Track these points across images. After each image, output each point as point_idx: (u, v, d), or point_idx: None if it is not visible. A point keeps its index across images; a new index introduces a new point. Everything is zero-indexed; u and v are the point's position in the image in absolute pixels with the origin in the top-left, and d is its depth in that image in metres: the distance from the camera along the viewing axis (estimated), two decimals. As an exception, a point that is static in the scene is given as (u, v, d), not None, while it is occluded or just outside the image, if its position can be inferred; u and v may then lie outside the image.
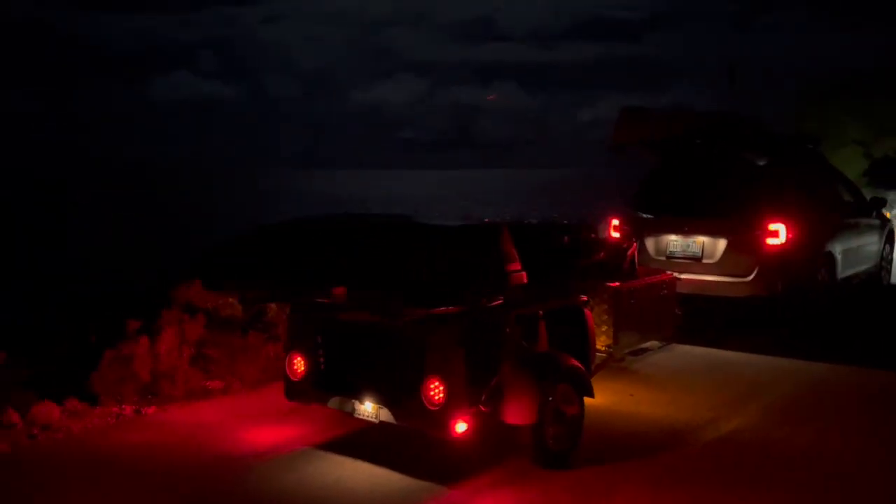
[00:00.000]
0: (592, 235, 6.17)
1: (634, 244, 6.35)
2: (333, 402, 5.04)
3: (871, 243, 10.20)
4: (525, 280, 4.52)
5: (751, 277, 8.09)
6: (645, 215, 8.93)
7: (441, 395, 4.44)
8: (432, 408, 4.47)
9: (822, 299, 8.58)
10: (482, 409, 4.57)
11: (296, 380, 5.24)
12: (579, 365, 4.98)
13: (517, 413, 4.61)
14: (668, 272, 6.90)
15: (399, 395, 4.68)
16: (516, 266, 4.26)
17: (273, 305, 9.05)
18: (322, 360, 5.13)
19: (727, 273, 8.22)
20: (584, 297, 5.53)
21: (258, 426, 5.80)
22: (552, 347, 5.16)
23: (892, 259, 11.19)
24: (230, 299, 9.19)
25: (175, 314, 6.75)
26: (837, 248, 8.96)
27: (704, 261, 8.34)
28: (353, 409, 4.93)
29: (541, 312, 5.12)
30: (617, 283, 6.09)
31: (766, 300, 8.24)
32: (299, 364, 5.22)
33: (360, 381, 4.91)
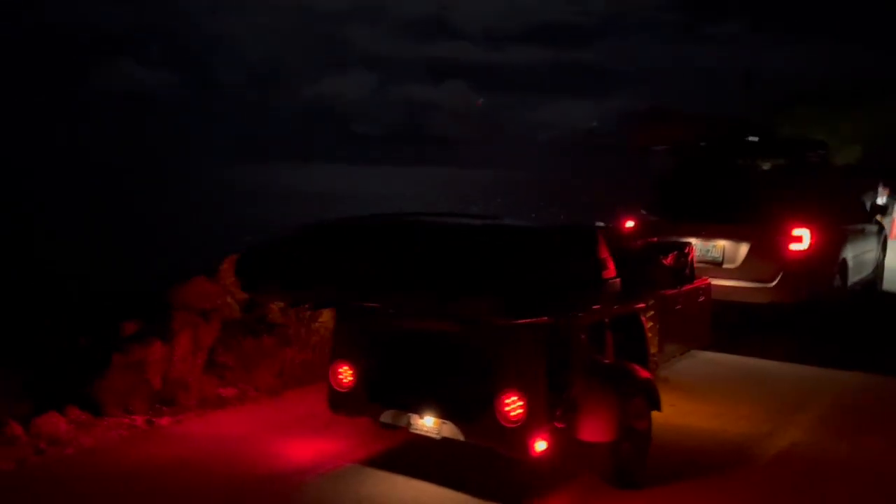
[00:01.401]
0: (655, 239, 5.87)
1: (693, 248, 6.09)
2: (386, 416, 4.64)
3: (872, 250, 10.23)
4: (619, 289, 4.20)
5: (774, 283, 7.95)
6: (660, 218, 8.72)
7: (519, 411, 4.09)
8: (509, 425, 4.11)
9: (840, 306, 8.51)
10: (557, 425, 4.24)
11: (342, 391, 4.82)
12: (650, 376, 4.69)
13: (595, 430, 4.28)
14: (705, 278, 6.68)
15: (467, 409, 4.31)
16: (612, 273, 3.94)
17: (274, 306, 8.57)
18: (374, 370, 4.71)
19: (749, 278, 8.06)
20: (642, 304, 5.25)
21: (289, 439, 5.35)
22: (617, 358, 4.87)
23: (884, 266, 11.28)
24: (229, 299, 8.67)
25: (189, 317, 6.23)
26: (850, 255, 8.91)
27: (725, 266, 8.17)
28: (410, 424, 4.54)
29: (606, 320, 4.82)
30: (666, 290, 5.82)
31: (788, 306, 8.12)
32: (346, 374, 4.80)
33: (419, 393, 4.51)
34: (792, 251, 7.95)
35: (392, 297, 4.22)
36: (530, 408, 4.06)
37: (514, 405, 4.09)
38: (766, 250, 8.02)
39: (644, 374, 4.64)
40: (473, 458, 4.74)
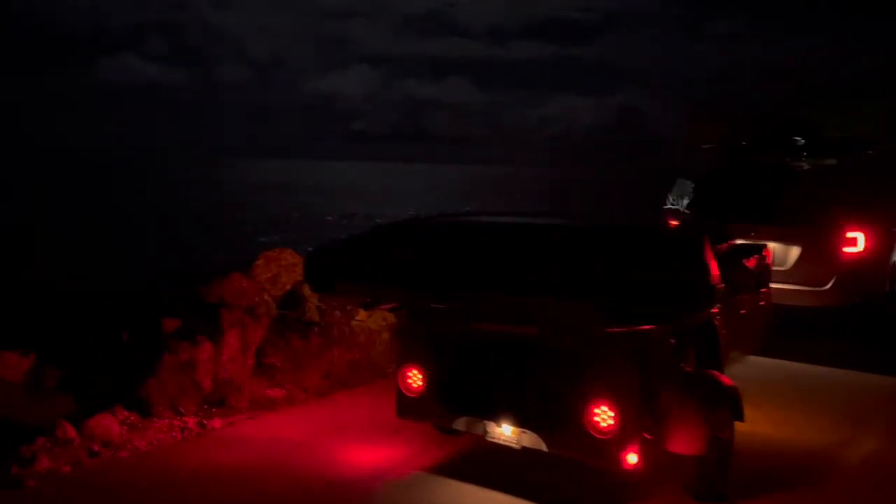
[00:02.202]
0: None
1: (769, 251, 5.91)
2: (460, 423, 4.46)
3: None
4: (724, 295, 4.02)
5: (828, 287, 7.76)
6: (706, 219, 8.53)
7: (611, 421, 3.91)
8: (598, 436, 3.93)
9: (891, 309, 8.32)
10: (647, 436, 4.05)
11: (411, 396, 4.64)
12: (734, 385, 4.50)
13: (685, 442, 4.10)
14: (765, 282, 6.48)
15: (551, 418, 4.13)
16: (717, 279, 3.75)
17: (311, 305, 8.39)
18: (447, 374, 4.53)
19: (801, 282, 7.86)
20: (716, 309, 5.06)
21: (348, 443, 5.18)
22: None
23: None
24: (266, 297, 8.50)
25: (237, 315, 6.04)
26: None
27: (775, 268, 7.94)
28: (486, 432, 4.36)
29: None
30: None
31: (837, 310, 7.93)
32: (416, 378, 4.62)
33: (497, 400, 4.33)
34: (846, 254, 7.76)
35: (475, 299, 4.05)
36: (623, 419, 3.88)
37: (604, 415, 3.91)
38: (819, 253, 7.82)
39: (728, 382, 4.46)
40: (545, 467, 4.57)
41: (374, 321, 8.20)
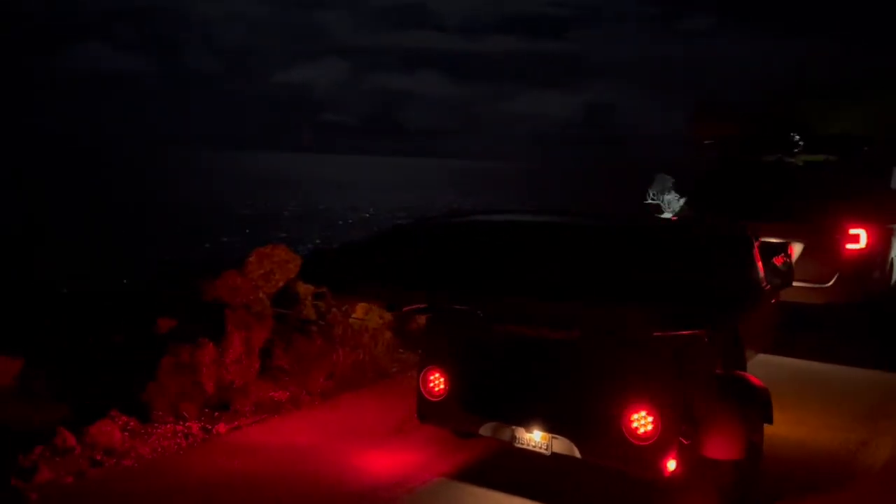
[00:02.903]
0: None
1: (793, 248, 5.82)
2: (486, 429, 4.29)
3: None
4: (771, 296, 3.91)
5: (830, 284, 7.72)
6: (707, 215, 8.45)
7: (649, 427, 3.77)
8: (638, 442, 3.79)
9: (891, 306, 8.32)
10: (683, 441, 3.93)
11: (434, 400, 4.47)
12: (765, 386, 4.40)
13: (724, 446, 3.98)
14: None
15: (585, 424, 3.98)
16: (764, 280, 3.63)
17: (308, 303, 8.18)
18: (471, 378, 4.37)
19: (803, 279, 7.79)
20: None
21: (361, 449, 5.00)
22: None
23: None
24: (260, 294, 8.26)
25: (241, 315, 5.81)
26: (894, 254, 8.73)
27: (777, 265, 7.93)
28: (514, 438, 4.20)
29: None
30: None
31: (841, 307, 7.90)
32: (438, 382, 4.45)
33: (527, 405, 4.17)
34: (849, 251, 7.73)
35: (505, 301, 3.89)
36: (662, 424, 3.75)
37: (643, 421, 3.78)
38: (822, 250, 7.77)
39: (759, 383, 4.35)
40: (569, 474, 4.44)
41: (372, 319, 8.01)
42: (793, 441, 5.35)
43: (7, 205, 40.74)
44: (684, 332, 3.47)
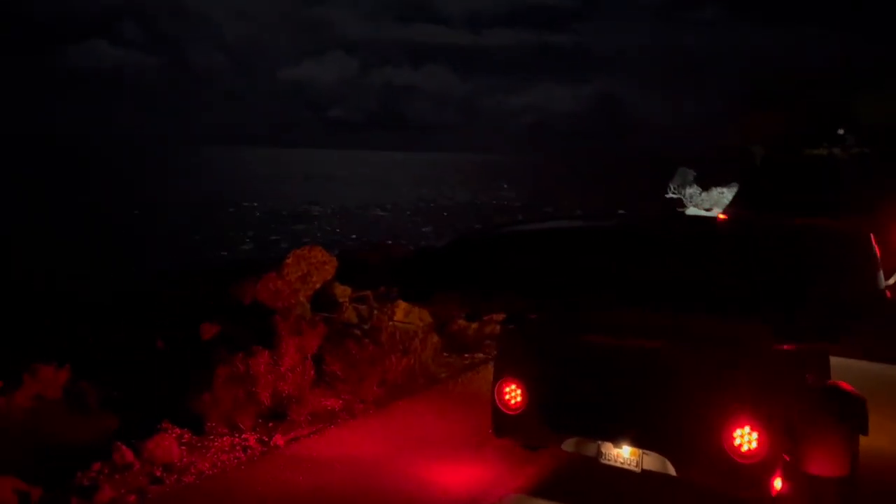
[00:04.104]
0: None
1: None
2: (569, 444, 4.08)
3: None
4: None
5: (891, 281, 7.47)
6: (754, 213, 8.23)
7: (754, 445, 3.55)
8: (742, 460, 3.57)
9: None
10: (786, 458, 3.71)
11: (511, 413, 4.25)
12: (862, 396, 4.17)
13: (828, 463, 3.75)
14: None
15: (682, 440, 3.76)
16: (883, 284, 3.41)
17: (348, 306, 7.99)
18: (553, 390, 4.15)
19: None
20: None
21: (429, 462, 4.79)
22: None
23: None
24: (301, 297, 8.07)
25: (294, 322, 5.61)
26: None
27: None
28: (601, 454, 3.99)
29: None
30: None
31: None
32: (515, 394, 4.24)
33: (615, 419, 3.95)
34: (903, 247, 7.47)
35: (601, 311, 3.68)
36: (768, 441, 3.53)
37: (748, 438, 3.56)
38: (880, 246, 7.53)
39: (857, 393, 4.12)
40: (650, 488, 4.23)
41: (412, 322, 7.80)
42: (875, 451, 5.11)
43: (8, 208, 40.66)
44: (814, 345, 3.25)
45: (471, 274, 4.07)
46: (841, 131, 8.65)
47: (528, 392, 4.20)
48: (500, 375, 4.29)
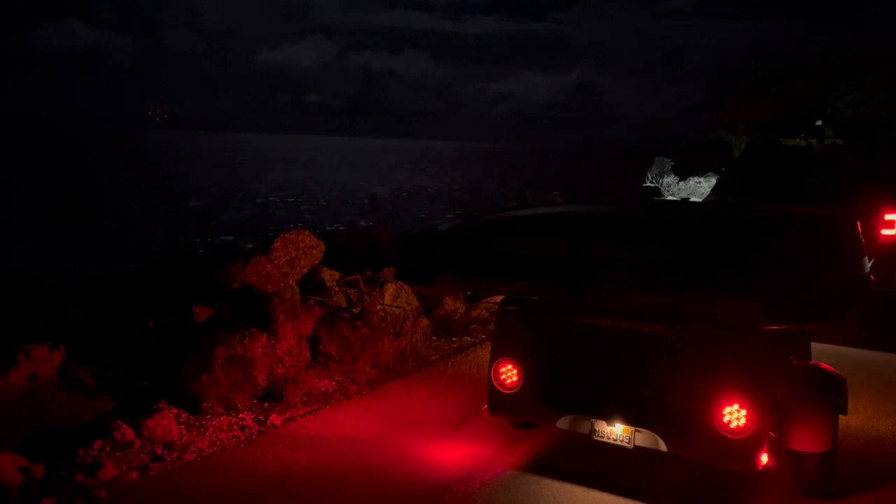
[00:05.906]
0: None
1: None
2: (563, 422, 4.21)
3: None
4: (874, 286, 3.85)
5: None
6: (736, 200, 8.40)
7: (742, 421, 3.71)
8: (730, 436, 3.73)
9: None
10: (772, 434, 3.88)
11: (506, 392, 4.38)
12: (843, 376, 4.34)
13: (811, 439, 3.93)
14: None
15: (673, 418, 3.91)
16: (867, 268, 3.56)
17: (338, 289, 8.07)
18: (547, 370, 4.28)
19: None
20: None
21: (422, 440, 4.91)
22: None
23: None
24: (290, 281, 8.13)
25: (290, 304, 5.69)
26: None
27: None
28: (594, 431, 4.13)
29: None
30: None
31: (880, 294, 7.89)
32: (511, 374, 4.37)
33: (609, 397, 4.09)
34: (884, 237, 7.70)
35: (598, 292, 3.80)
36: (756, 418, 3.68)
37: (736, 415, 3.71)
38: None
39: (838, 373, 4.29)
40: (643, 466, 4.39)
41: (400, 305, 7.90)
42: (851, 430, 5.33)
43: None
44: (811, 326, 3.39)
45: (473, 257, 4.17)
46: (819, 122, 8.83)
47: (525, 372, 4.33)
48: (497, 355, 4.42)
